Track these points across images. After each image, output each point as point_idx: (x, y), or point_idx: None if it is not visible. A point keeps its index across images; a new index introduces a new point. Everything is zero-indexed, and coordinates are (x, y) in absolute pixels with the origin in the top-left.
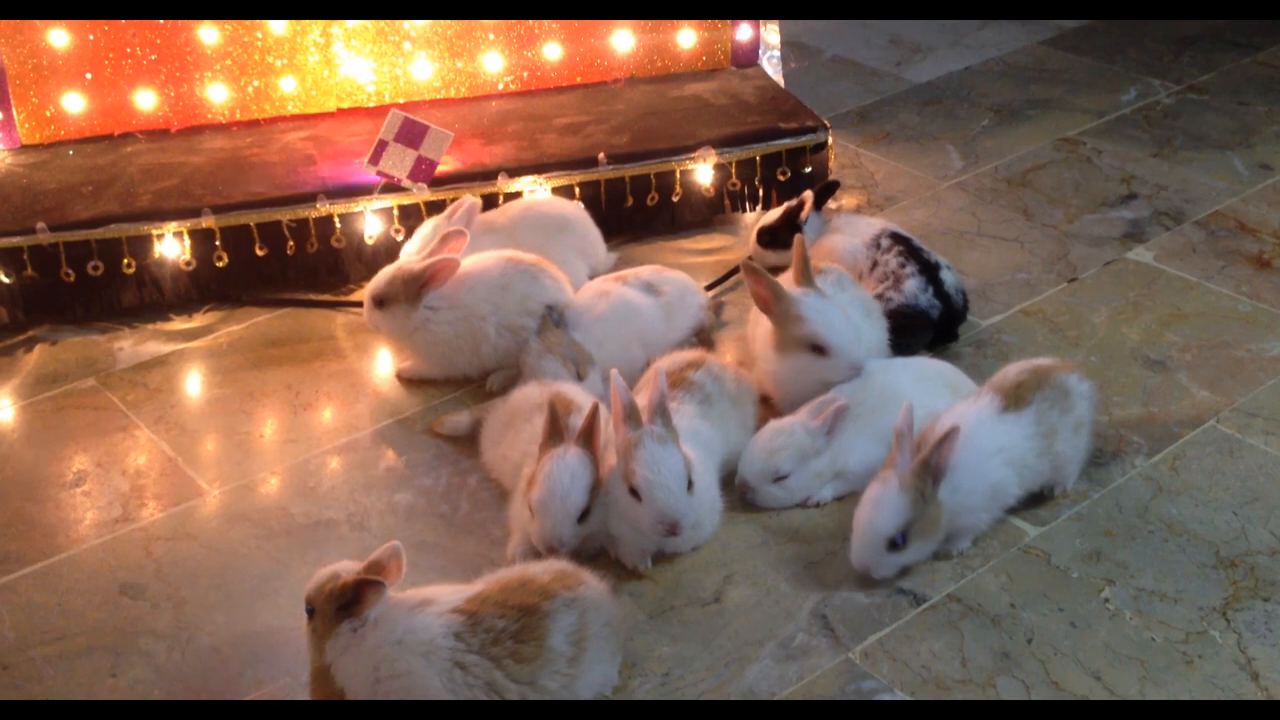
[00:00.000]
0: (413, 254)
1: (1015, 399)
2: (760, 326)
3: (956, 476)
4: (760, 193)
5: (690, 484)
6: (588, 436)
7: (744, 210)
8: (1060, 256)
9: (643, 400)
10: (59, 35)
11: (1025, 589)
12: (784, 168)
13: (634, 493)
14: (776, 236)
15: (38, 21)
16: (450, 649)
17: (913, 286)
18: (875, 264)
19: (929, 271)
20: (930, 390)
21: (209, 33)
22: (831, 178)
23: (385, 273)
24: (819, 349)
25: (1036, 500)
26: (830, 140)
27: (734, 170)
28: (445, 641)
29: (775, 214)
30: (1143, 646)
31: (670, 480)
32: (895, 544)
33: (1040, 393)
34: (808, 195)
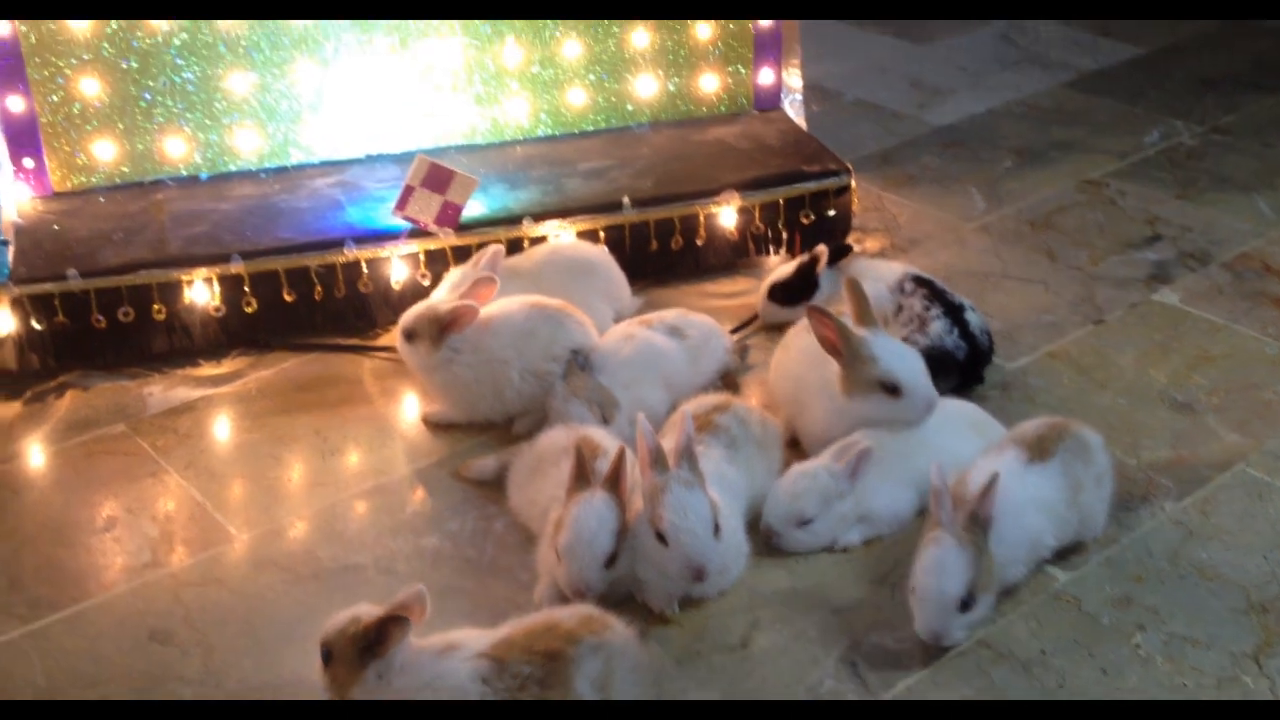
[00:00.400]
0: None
1: (1039, 451)
2: (822, 370)
3: (999, 527)
4: (784, 236)
5: (717, 529)
6: (614, 481)
7: (768, 253)
8: (1085, 298)
9: (669, 444)
10: (90, 83)
11: (1056, 635)
12: (807, 210)
13: (660, 538)
14: (790, 293)
15: (69, 70)
16: (479, 694)
17: (938, 329)
18: (900, 308)
19: (954, 313)
20: (955, 432)
21: (238, 80)
22: (846, 241)
23: (416, 308)
24: (892, 389)
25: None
26: (853, 183)
27: (757, 213)
28: (473, 686)
29: (788, 270)
30: (1175, 693)
31: (697, 525)
32: (965, 604)
33: (1063, 444)
34: (822, 250)
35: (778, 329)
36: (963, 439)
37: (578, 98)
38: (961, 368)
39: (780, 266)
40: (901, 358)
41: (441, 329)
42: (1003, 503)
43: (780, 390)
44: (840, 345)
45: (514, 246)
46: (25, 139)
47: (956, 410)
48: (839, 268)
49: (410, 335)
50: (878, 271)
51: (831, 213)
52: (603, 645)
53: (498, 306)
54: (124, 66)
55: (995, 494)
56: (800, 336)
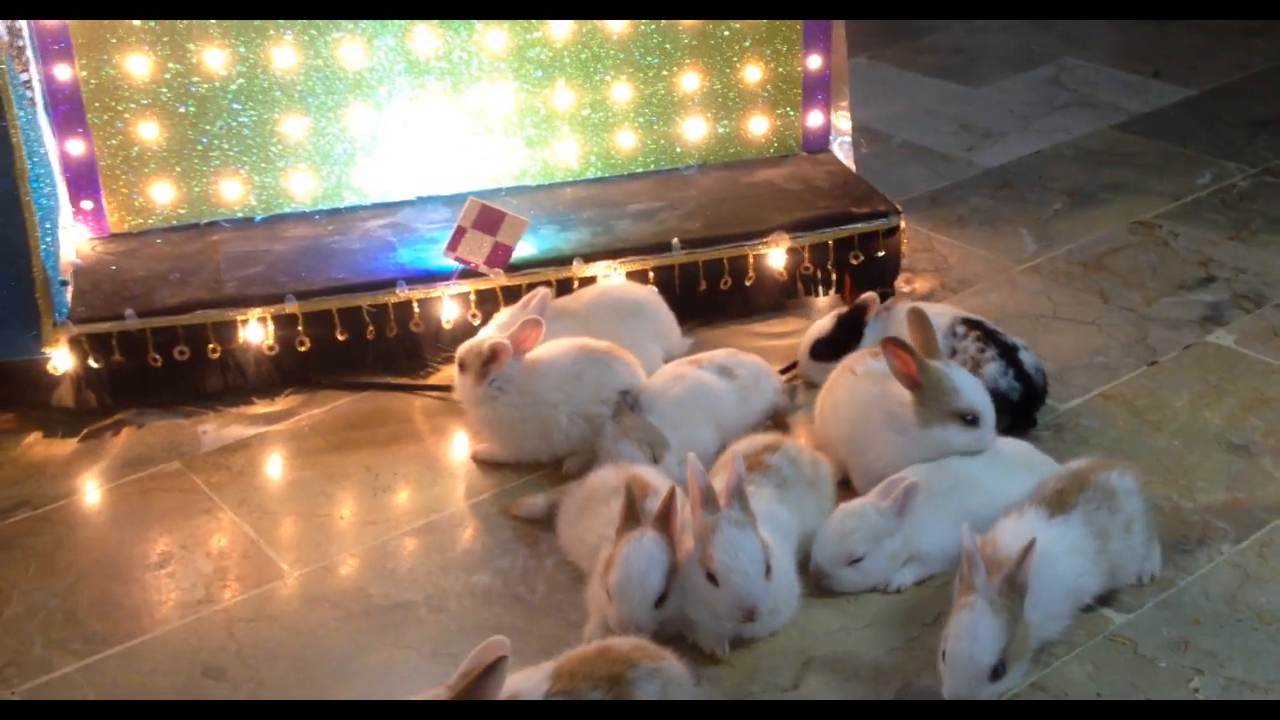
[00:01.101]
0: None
1: (1059, 505)
2: (885, 406)
3: (1035, 587)
4: (833, 276)
5: (768, 569)
6: (665, 520)
7: (817, 294)
8: (1139, 340)
9: (719, 484)
10: (149, 128)
11: (1112, 678)
12: (856, 251)
13: (711, 578)
14: (835, 347)
15: (129, 114)
16: None
17: (993, 370)
18: (955, 352)
19: (1008, 354)
20: (1005, 471)
21: (293, 124)
22: (885, 288)
23: (470, 340)
24: (971, 419)
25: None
26: (902, 224)
27: (806, 254)
28: None
29: (827, 325)
30: None
31: (748, 565)
32: (996, 672)
33: (1083, 495)
34: (872, 297)
35: None
36: (1014, 477)
37: (627, 140)
38: (1015, 409)
39: (817, 322)
40: (979, 389)
41: (484, 363)
42: (1038, 562)
43: (833, 432)
44: (919, 377)
45: (564, 287)
46: (84, 181)
47: (1009, 449)
48: (881, 316)
49: (461, 365)
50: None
51: (881, 254)
52: (659, 670)
53: (546, 349)
54: (181, 111)
55: (1031, 561)
56: (845, 378)
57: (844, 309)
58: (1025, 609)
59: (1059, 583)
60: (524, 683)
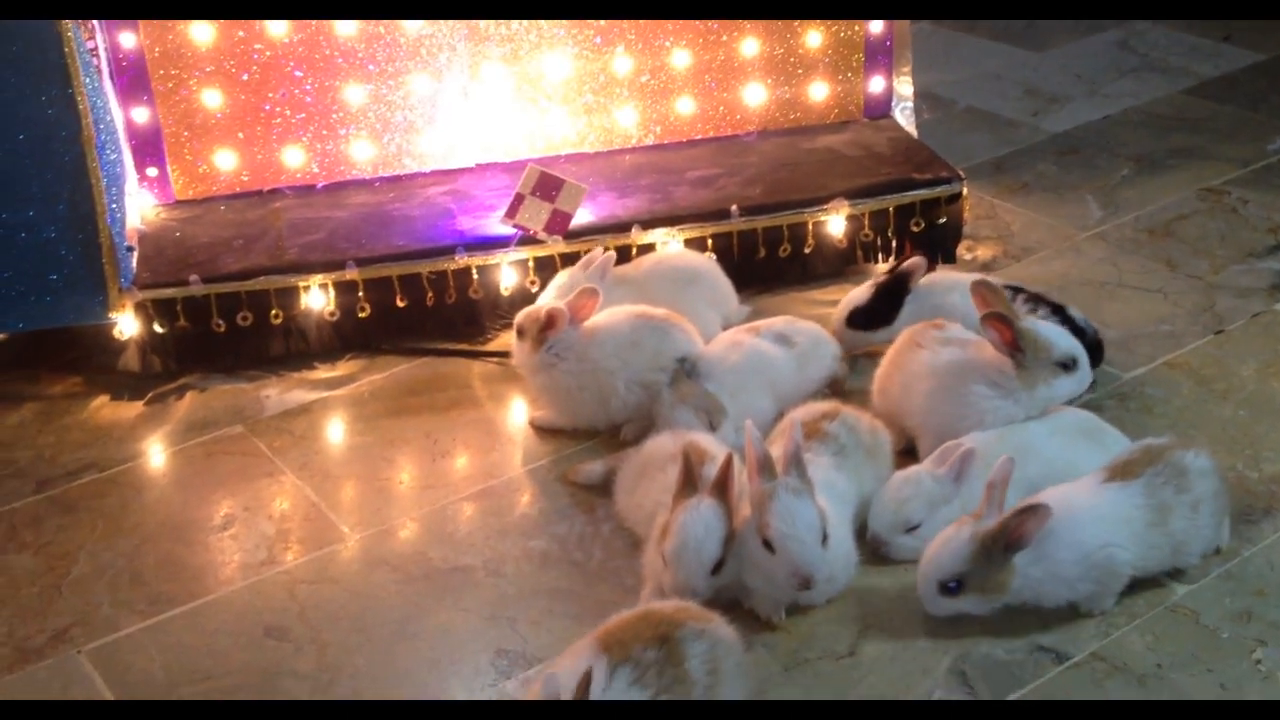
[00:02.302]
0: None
1: (1123, 472)
2: (985, 375)
3: (1045, 544)
4: (893, 243)
5: (825, 537)
6: (722, 487)
7: (876, 261)
8: (1206, 308)
9: (777, 451)
10: (213, 96)
11: (1173, 649)
12: (918, 218)
13: (768, 545)
14: (873, 317)
15: (193, 82)
16: (639, 695)
17: None
18: None
19: (1059, 311)
20: (1065, 440)
21: (354, 92)
22: (914, 255)
23: (529, 308)
24: (1071, 364)
25: None
26: (965, 191)
27: (867, 221)
28: (633, 691)
29: (864, 294)
30: None
31: (804, 533)
32: (948, 589)
33: (1152, 468)
34: (916, 262)
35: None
36: (1074, 446)
37: (686, 106)
38: None
39: (853, 291)
40: (1066, 334)
41: (541, 330)
42: (1058, 520)
43: (907, 405)
44: (1020, 343)
45: (622, 254)
46: (149, 148)
47: (1067, 418)
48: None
49: (519, 332)
50: (963, 288)
51: (942, 220)
52: (706, 631)
53: (604, 317)
54: (244, 78)
55: (1035, 523)
56: (913, 352)
57: (882, 277)
58: (1027, 560)
59: (1075, 546)
60: (576, 667)
